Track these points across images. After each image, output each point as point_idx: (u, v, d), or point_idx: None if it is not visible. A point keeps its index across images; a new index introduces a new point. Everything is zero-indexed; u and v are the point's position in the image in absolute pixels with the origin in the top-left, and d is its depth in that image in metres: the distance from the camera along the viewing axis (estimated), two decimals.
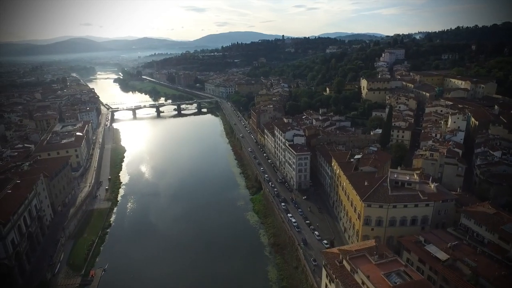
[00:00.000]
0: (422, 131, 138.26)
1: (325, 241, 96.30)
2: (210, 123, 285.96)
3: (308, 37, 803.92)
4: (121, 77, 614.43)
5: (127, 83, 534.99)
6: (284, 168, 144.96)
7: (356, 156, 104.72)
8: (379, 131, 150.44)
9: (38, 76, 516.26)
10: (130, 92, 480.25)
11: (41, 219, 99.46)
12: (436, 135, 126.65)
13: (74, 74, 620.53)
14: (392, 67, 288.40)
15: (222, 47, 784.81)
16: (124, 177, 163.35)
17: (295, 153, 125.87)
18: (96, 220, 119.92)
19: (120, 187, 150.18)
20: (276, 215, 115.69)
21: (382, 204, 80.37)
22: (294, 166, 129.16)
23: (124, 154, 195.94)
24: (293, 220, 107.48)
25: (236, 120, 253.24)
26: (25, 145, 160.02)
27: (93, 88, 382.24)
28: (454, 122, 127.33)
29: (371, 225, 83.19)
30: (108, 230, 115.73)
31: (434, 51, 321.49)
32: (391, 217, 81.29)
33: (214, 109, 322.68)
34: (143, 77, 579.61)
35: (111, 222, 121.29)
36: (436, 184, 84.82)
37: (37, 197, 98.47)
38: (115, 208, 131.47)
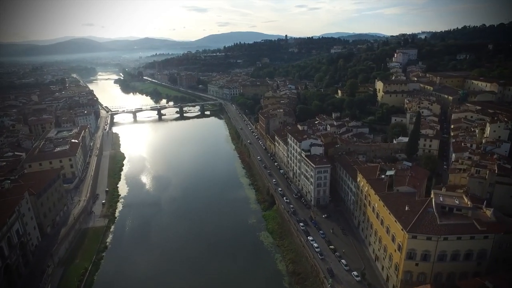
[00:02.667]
0: (453, 140, 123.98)
1: (355, 273, 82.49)
2: (215, 127, 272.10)
3: (312, 37, 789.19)
4: (122, 78, 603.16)
5: (128, 84, 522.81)
6: (299, 181, 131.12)
7: (389, 173, 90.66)
8: (403, 139, 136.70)
9: (38, 77, 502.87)
10: (131, 94, 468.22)
11: (24, 245, 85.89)
12: (471, 146, 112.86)
13: (74, 75, 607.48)
14: (406, 68, 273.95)
15: (224, 47, 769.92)
16: (123, 188, 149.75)
17: (314, 166, 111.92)
18: (90, 242, 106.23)
19: (118, 201, 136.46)
20: (294, 237, 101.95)
21: (430, 236, 66.69)
22: (312, 180, 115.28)
23: (124, 162, 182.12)
24: (315, 245, 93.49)
25: (242, 124, 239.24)
26: (16, 153, 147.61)
27: (92, 90, 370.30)
28: (494, 131, 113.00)
29: (415, 260, 69.53)
30: (103, 254, 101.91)
31: (448, 51, 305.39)
32: (441, 251, 67.62)
33: (218, 112, 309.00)
34: (144, 78, 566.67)
35: (107, 244, 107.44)
36: (492, 209, 71.09)
37: (19, 220, 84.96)
38: (112, 226, 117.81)
